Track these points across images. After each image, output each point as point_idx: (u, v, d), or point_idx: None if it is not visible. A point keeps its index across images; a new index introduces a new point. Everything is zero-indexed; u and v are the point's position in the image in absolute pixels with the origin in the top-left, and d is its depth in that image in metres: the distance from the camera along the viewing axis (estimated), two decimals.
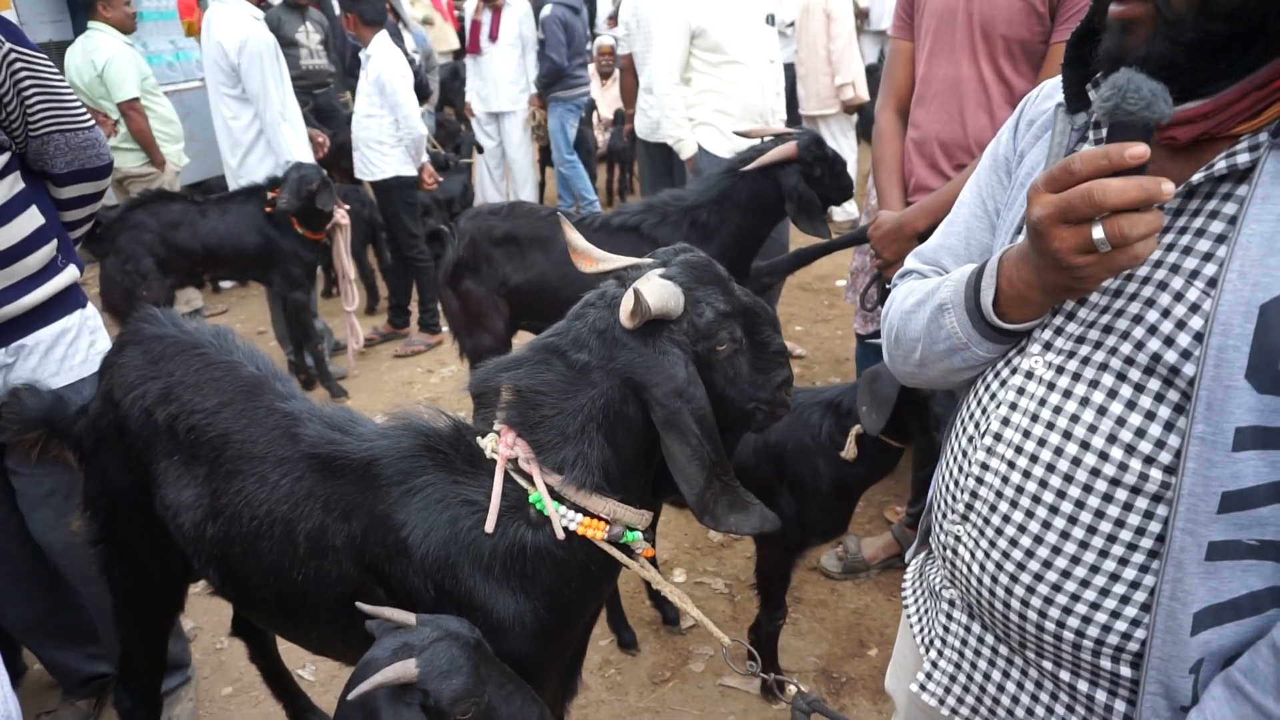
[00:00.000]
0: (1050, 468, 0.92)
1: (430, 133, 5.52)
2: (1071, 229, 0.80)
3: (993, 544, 0.98)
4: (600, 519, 1.27)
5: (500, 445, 1.28)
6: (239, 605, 1.86)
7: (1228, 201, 0.83)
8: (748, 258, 2.93)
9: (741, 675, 2.21)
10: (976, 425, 1.02)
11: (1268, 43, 0.80)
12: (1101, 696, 0.94)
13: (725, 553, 3.08)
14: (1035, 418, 0.95)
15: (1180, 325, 0.83)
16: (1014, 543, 0.96)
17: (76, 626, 2.28)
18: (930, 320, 1.05)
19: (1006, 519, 0.96)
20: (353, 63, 5.80)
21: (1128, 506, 0.87)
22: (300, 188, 3.90)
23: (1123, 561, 0.88)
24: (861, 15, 7.78)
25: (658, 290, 1.19)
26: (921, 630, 1.19)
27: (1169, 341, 0.83)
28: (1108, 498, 0.88)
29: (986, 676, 1.06)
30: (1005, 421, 0.98)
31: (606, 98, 7.63)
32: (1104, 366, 0.90)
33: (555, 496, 1.26)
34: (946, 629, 1.11)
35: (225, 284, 6.06)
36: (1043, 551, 0.93)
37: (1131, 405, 0.87)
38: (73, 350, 1.99)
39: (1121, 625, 0.89)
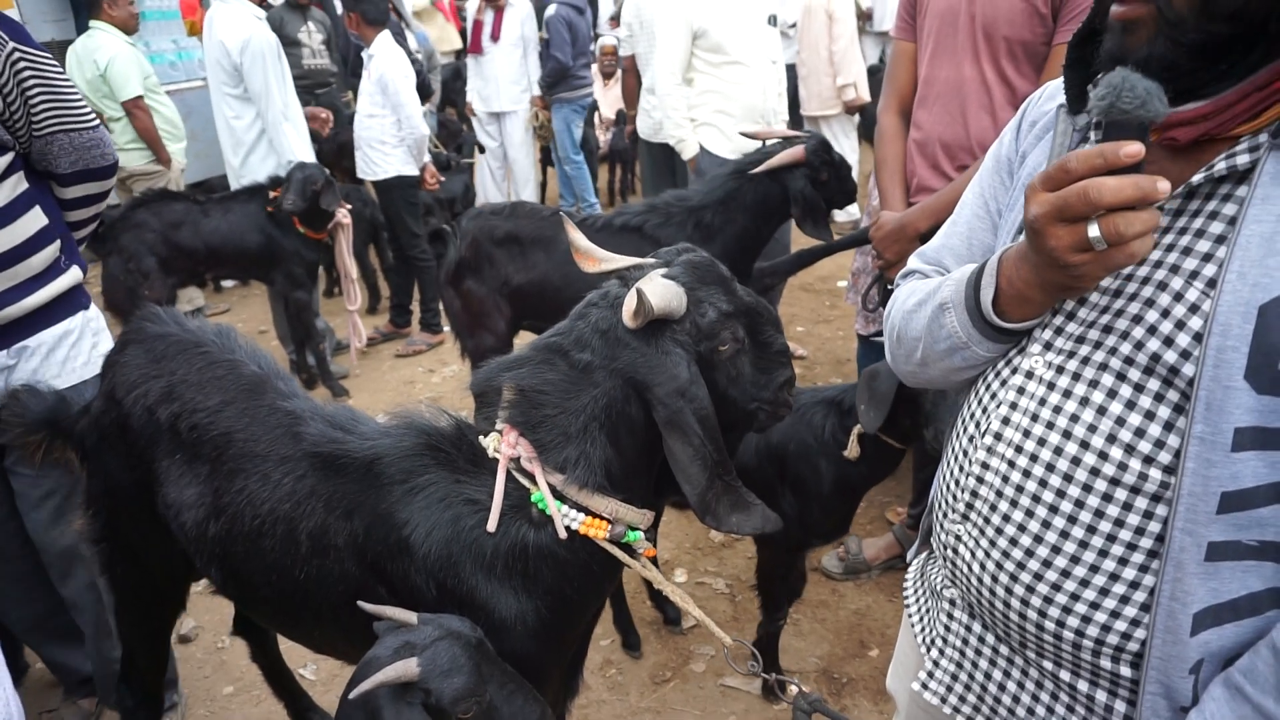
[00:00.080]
0: (1050, 467, 0.93)
1: (432, 132, 5.52)
2: (1068, 227, 0.80)
3: (993, 543, 0.98)
4: (602, 518, 1.27)
5: (502, 444, 1.28)
6: (241, 604, 1.86)
7: (1227, 202, 0.83)
8: (750, 258, 2.93)
9: (743, 675, 2.22)
10: (977, 425, 1.03)
11: (1269, 44, 0.80)
12: (1101, 696, 0.94)
13: (726, 553, 3.08)
14: (1035, 417, 0.95)
15: (1180, 325, 0.83)
16: (1014, 542, 0.96)
17: (77, 626, 2.27)
18: (931, 319, 1.05)
19: (1006, 518, 0.97)
20: (355, 62, 5.80)
21: (1127, 506, 0.87)
22: (305, 188, 3.91)
23: (1122, 561, 0.88)
24: (864, 16, 7.79)
25: (660, 290, 1.20)
26: (923, 630, 1.20)
27: (1168, 342, 0.83)
28: (1107, 497, 0.88)
29: (987, 676, 1.06)
30: (1005, 421, 0.98)
31: (609, 98, 7.63)
32: (1104, 366, 0.90)
33: (557, 496, 1.26)
34: (948, 628, 1.11)
35: (227, 283, 6.07)
36: (1042, 551, 0.93)
37: (1131, 405, 0.87)
38: (75, 352, 1.98)
39: (1121, 625, 0.89)
